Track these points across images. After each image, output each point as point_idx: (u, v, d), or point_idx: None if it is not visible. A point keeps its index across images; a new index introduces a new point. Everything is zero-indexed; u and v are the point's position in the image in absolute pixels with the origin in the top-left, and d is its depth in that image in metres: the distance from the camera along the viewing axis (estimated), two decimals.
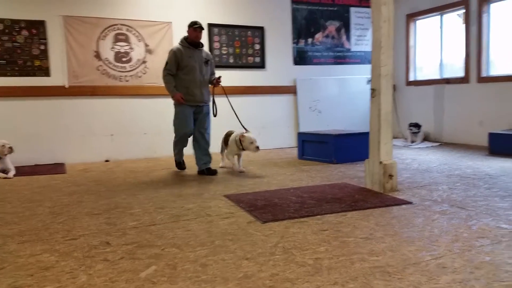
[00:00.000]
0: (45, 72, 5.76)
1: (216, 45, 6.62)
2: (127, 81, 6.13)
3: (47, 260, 2.15)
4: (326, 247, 2.21)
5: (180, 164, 4.98)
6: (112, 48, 6.04)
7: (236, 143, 4.62)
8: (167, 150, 6.27)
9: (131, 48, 6.13)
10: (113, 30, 6.03)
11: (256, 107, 6.87)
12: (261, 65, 6.95)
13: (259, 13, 6.89)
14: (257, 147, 4.49)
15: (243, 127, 4.70)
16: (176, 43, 6.19)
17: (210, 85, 4.78)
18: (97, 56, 5.98)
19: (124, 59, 6.11)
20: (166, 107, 6.25)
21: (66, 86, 5.85)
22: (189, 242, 2.35)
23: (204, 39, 6.43)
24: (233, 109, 4.77)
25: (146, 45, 6.20)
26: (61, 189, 4.02)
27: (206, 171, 4.62)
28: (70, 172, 5.07)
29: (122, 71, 6.11)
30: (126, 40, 6.10)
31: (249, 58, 6.85)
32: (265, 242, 2.32)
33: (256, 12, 6.87)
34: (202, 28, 4.58)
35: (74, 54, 5.85)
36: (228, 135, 4.89)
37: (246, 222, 2.71)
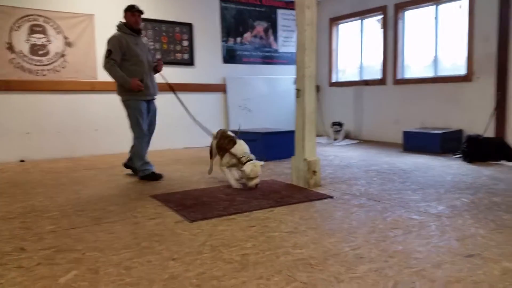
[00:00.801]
0: None
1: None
2: (44, 75, 5.72)
3: None
4: (253, 243, 2.26)
5: (157, 173, 4.19)
6: (27, 40, 5.59)
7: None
8: (88, 150, 6.00)
9: (48, 41, 5.72)
10: (28, 21, 5.57)
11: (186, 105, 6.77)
12: (189, 62, 6.87)
13: (187, 9, 6.80)
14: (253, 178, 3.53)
15: (210, 131, 4.25)
16: (99, 36, 5.97)
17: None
18: (10, 48, 5.49)
19: (40, 52, 5.68)
20: (86, 103, 5.98)
21: None
22: (113, 245, 2.27)
23: None
24: (184, 106, 4.43)
25: (66, 38, 5.83)
26: None
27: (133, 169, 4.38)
28: None
29: (39, 65, 5.68)
30: (43, 32, 5.68)
31: (177, 54, 6.74)
32: (192, 241, 2.31)
33: (184, 8, 6.77)
34: (142, 12, 4.15)
35: None
36: (223, 137, 3.86)
37: (174, 222, 2.68)
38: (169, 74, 6.54)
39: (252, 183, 3.52)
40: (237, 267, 1.94)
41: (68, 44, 5.85)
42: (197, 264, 1.99)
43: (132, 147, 4.25)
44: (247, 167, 3.48)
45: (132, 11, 4.09)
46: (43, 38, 5.69)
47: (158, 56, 6.07)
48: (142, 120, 4.13)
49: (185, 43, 6.81)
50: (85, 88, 5.94)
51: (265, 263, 1.99)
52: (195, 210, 2.90)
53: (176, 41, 6.73)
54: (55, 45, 5.77)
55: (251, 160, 3.56)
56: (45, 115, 5.77)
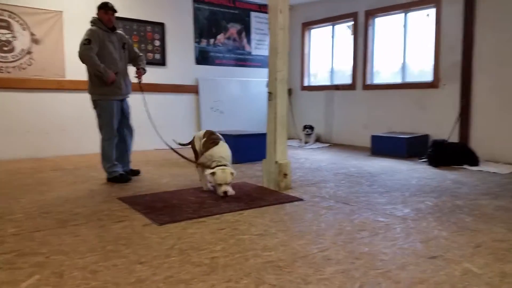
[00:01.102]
0: None
1: None
2: (8, 72, 5.51)
3: None
4: (222, 246, 2.25)
5: (125, 175, 4.11)
6: None
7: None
8: (55, 150, 5.82)
9: (13, 37, 5.52)
10: None
11: (156, 106, 6.67)
12: (161, 62, 6.79)
13: (159, 9, 6.72)
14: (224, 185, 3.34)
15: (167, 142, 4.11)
16: (67, 34, 5.82)
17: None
18: None
19: (5, 48, 5.47)
20: (53, 102, 5.81)
21: None
22: (78, 248, 2.21)
23: None
24: (147, 110, 4.29)
25: (32, 34, 5.64)
26: None
27: (131, 172, 4.29)
28: None
29: (3, 62, 5.46)
30: (8, 27, 5.48)
31: (148, 54, 6.64)
32: (160, 244, 2.28)
33: (157, 8, 6.69)
34: (115, 11, 4.04)
35: None
36: (209, 138, 3.60)
37: (142, 225, 2.64)
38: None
39: (220, 190, 3.31)
40: (206, 270, 1.93)
41: (35, 41, 5.66)
42: (164, 267, 1.97)
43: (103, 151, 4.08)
44: (214, 172, 3.30)
45: (105, 9, 3.98)
46: (8, 34, 5.48)
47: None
48: (113, 121, 4.03)
49: (157, 42, 6.73)
50: (52, 87, 5.76)
51: (234, 266, 1.99)
52: (164, 213, 2.87)
53: (148, 40, 6.64)
54: (21, 41, 5.57)
55: (223, 165, 3.35)
56: (10, 114, 5.56)
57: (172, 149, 3.97)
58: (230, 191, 3.35)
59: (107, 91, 3.97)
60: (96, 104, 4.01)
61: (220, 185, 3.31)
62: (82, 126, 5.93)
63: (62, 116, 5.88)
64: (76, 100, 5.89)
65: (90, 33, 3.88)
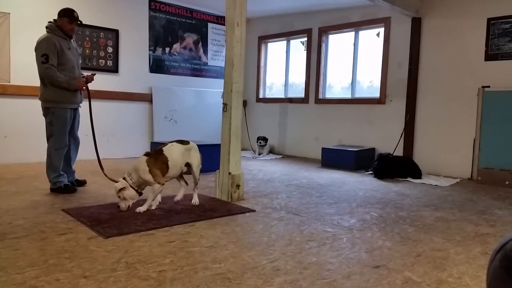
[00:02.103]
0: None
1: None
2: None
3: None
4: (171, 259, 2.22)
5: (71, 185, 3.95)
6: None
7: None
8: None
9: None
10: None
11: (107, 113, 6.49)
12: (114, 69, 6.62)
13: (114, 15, 6.57)
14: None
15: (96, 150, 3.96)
16: (14, 36, 5.54)
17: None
18: None
19: None
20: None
21: None
22: (17, 263, 2.09)
23: None
24: (91, 118, 4.08)
25: None
26: None
27: (77, 183, 4.10)
28: None
29: None
30: None
31: (100, 60, 6.47)
32: (106, 258, 2.20)
33: (111, 14, 6.55)
34: (81, 22, 3.90)
35: None
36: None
37: (87, 238, 2.54)
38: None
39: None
40: (153, 284, 1.89)
41: None
42: (110, 281, 1.90)
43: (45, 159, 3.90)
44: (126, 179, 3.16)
45: (70, 19, 3.79)
46: None
47: (79, 60, 5.79)
48: (66, 130, 3.87)
49: (110, 49, 6.57)
50: None
51: (183, 279, 1.96)
52: (111, 226, 2.78)
53: (100, 47, 6.46)
54: None
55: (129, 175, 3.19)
56: None
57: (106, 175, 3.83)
58: (122, 206, 3.15)
59: (62, 98, 3.81)
60: (50, 112, 3.81)
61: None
62: (26, 133, 5.63)
63: (5, 122, 5.56)
64: (20, 105, 5.60)
65: (46, 44, 3.68)
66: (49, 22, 3.84)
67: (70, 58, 3.83)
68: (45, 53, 3.65)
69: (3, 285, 1.83)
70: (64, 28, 3.80)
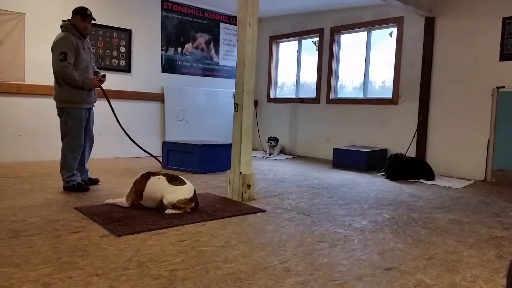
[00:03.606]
0: None
1: None
2: None
3: None
4: (182, 258, 2.23)
5: (84, 184, 4.00)
6: None
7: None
8: (9, 156, 5.57)
9: None
10: None
11: (120, 113, 6.50)
12: (126, 69, 6.68)
13: (127, 15, 6.63)
14: None
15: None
16: (29, 36, 5.62)
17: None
18: None
19: None
20: (11, 106, 5.57)
21: None
22: (31, 260, 2.12)
23: None
24: (114, 113, 4.22)
25: None
26: None
27: (90, 181, 4.14)
28: None
29: None
30: None
31: (113, 60, 6.53)
32: (118, 256, 2.22)
33: (124, 14, 6.60)
34: (94, 19, 3.91)
35: None
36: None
37: (99, 236, 2.56)
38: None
39: None
40: (164, 283, 1.90)
41: None
42: (122, 280, 1.92)
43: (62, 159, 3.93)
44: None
45: (83, 16, 3.81)
46: None
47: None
48: (81, 131, 3.91)
49: (123, 49, 6.62)
50: (10, 91, 5.52)
51: (194, 278, 1.97)
52: (123, 224, 2.80)
53: (113, 46, 6.52)
54: None
55: None
56: None
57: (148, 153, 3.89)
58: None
59: (77, 98, 3.84)
60: (65, 113, 3.84)
61: None
62: (39, 132, 5.72)
63: (19, 121, 5.65)
64: (35, 105, 5.68)
65: (64, 42, 3.71)
66: (63, 21, 3.87)
67: (84, 58, 3.87)
68: (64, 51, 3.67)
69: (18, 282, 1.85)
70: (78, 26, 3.82)
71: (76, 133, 3.87)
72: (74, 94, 3.82)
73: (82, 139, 3.94)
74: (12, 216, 2.94)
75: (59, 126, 3.92)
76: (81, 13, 3.82)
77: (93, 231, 2.65)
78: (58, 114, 3.90)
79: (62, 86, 3.81)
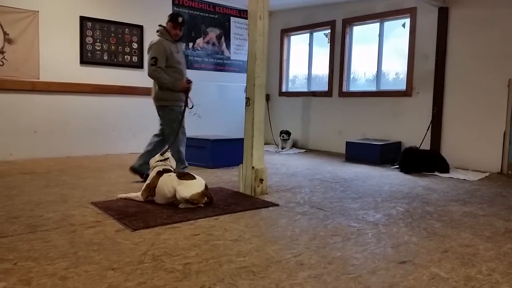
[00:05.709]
0: None
1: (89, 40, 6.18)
2: None
3: None
4: (196, 252, 2.25)
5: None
6: None
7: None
8: (25, 153, 5.67)
9: None
10: None
11: (132, 109, 6.61)
12: (139, 65, 6.72)
13: (138, 11, 6.66)
14: None
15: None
16: (43, 34, 5.69)
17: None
18: None
19: None
20: (26, 104, 5.66)
21: None
22: (48, 254, 2.16)
23: (75, 33, 5.99)
24: (183, 116, 4.28)
25: (6, 34, 5.49)
26: None
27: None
28: None
29: None
30: None
31: (126, 56, 6.57)
32: (133, 250, 2.25)
33: (136, 10, 6.63)
34: (184, 25, 4.19)
35: None
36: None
37: (114, 230, 2.60)
38: (117, 76, 6.44)
39: None
40: (178, 277, 1.92)
41: (8, 40, 5.51)
42: (137, 274, 1.95)
43: (148, 151, 4.21)
44: None
45: (175, 24, 4.08)
46: None
47: (106, 57, 5.87)
48: (178, 125, 4.15)
49: (135, 45, 6.66)
50: (25, 88, 5.61)
51: (208, 271, 1.99)
52: (137, 219, 2.84)
53: (126, 43, 6.56)
54: None
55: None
56: None
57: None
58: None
59: (174, 98, 4.17)
60: (168, 110, 4.15)
61: None
62: (54, 128, 5.80)
63: (35, 118, 5.74)
64: (49, 102, 5.76)
65: (157, 48, 4.00)
66: (159, 25, 4.16)
67: (178, 61, 4.15)
68: (155, 56, 3.98)
69: (36, 276, 1.90)
70: (171, 32, 4.11)
71: (175, 128, 4.11)
72: (171, 94, 4.14)
73: (180, 131, 4.14)
74: (30, 211, 3.00)
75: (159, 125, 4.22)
76: (172, 20, 4.11)
77: (108, 226, 2.69)
78: (158, 113, 4.23)
79: (161, 88, 4.12)
